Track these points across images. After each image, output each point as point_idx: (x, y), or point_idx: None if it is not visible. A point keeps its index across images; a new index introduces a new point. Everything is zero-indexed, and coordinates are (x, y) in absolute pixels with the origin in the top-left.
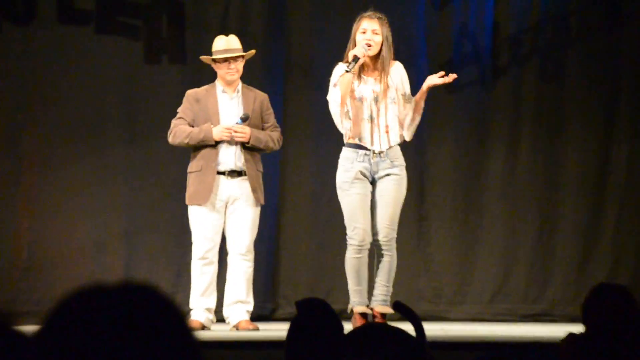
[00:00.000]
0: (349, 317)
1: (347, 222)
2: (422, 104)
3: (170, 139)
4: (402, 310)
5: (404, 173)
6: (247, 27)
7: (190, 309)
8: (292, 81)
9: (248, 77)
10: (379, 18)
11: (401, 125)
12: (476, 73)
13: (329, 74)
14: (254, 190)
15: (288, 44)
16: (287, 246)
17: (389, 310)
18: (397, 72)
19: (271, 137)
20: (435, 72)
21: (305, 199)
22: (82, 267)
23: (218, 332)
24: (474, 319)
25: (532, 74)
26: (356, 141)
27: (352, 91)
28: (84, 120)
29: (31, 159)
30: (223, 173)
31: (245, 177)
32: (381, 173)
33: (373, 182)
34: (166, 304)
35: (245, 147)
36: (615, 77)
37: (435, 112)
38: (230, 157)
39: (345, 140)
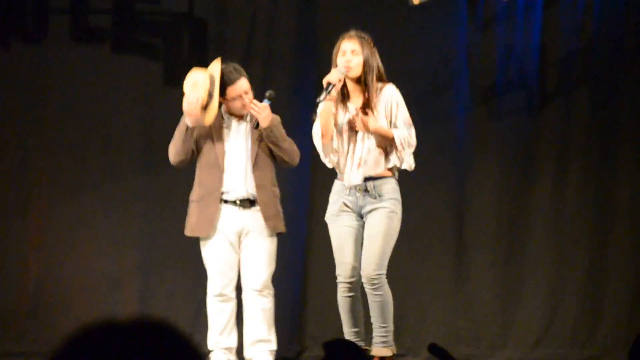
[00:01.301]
0: None
1: (335, 257)
2: (385, 139)
3: (170, 158)
4: (438, 353)
5: (395, 207)
6: (274, 46)
7: (210, 350)
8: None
9: (278, 100)
10: (359, 37)
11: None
12: (522, 98)
13: None
14: (267, 219)
15: (319, 63)
16: (315, 282)
17: (387, 352)
18: (389, 97)
19: (293, 146)
20: (477, 97)
21: None
22: (94, 304)
23: None
24: None
25: (582, 100)
26: (341, 177)
27: (335, 122)
28: (98, 146)
29: (40, 186)
30: (234, 202)
31: (258, 208)
32: (368, 208)
33: (362, 217)
34: (183, 341)
35: (259, 170)
36: None
37: (477, 140)
38: (239, 183)
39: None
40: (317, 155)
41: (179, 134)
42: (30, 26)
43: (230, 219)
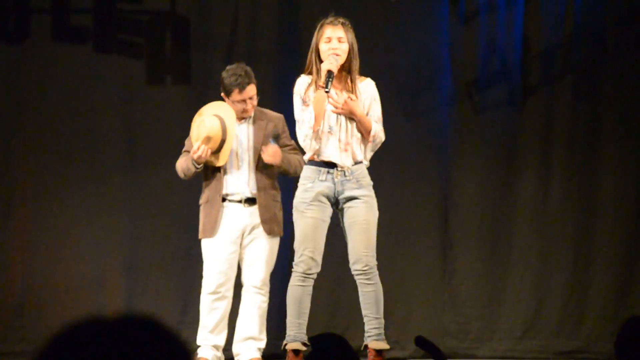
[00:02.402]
0: (367, 354)
1: (296, 246)
2: (362, 126)
3: (179, 175)
4: (425, 346)
5: (372, 193)
6: (256, 44)
7: (198, 346)
8: None
9: (262, 98)
10: (342, 24)
11: (366, 143)
12: (505, 92)
13: None
14: (263, 222)
15: (301, 61)
16: None
17: (385, 345)
18: (368, 91)
19: (299, 162)
20: (460, 91)
21: None
22: (80, 304)
23: None
24: (503, 356)
25: (565, 92)
26: (318, 158)
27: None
28: (81, 146)
29: (24, 187)
30: (239, 201)
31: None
32: (347, 194)
33: (337, 204)
34: (169, 336)
35: (260, 172)
36: None
37: (461, 134)
38: (242, 185)
39: (307, 158)
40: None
41: (186, 171)
42: (12, 26)
43: (235, 217)
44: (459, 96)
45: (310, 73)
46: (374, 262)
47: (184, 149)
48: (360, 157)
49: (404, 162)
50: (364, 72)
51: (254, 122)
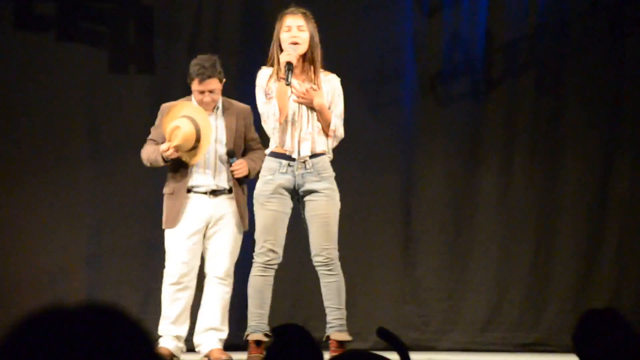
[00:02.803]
0: (329, 345)
1: (256, 237)
2: (323, 118)
3: (144, 163)
4: (386, 337)
5: (334, 185)
6: (220, 33)
7: (159, 336)
8: None
9: (226, 88)
10: (302, 13)
11: (327, 136)
12: (468, 85)
13: None
14: (242, 217)
15: (265, 50)
16: None
17: (347, 337)
18: (331, 85)
19: (261, 159)
20: (425, 84)
21: None
22: (41, 292)
23: None
24: (465, 348)
25: (528, 85)
26: (279, 149)
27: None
28: (43, 134)
29: None
30: (205, 193)
31: (232, 196)
32: (307, 187)
33: (297, 197)
34: (132, 325)
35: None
36: (617, 88)
37: (424, 126)
38: (208, 178)
39: (269, 149)
40: (265, 142)
41: (153, 162)
42: None
43: (200, 208)
44: (422, 88)
45: (272, 65)
46: (335, 253)
47: (149, 137)
48: (320, 149)
49: (368, 153)
50: (328, 65)
51: (223, 114)
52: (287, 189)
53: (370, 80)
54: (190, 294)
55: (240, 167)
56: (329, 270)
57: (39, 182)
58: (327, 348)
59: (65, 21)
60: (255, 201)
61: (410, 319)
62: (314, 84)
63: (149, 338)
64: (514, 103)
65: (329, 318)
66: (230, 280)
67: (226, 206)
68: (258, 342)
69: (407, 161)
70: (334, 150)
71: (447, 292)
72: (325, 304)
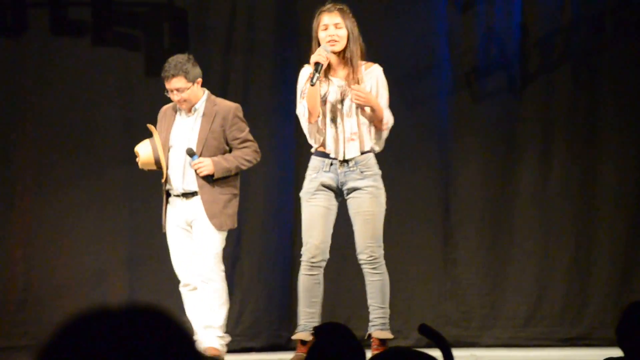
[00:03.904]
0: (371, 343)
1: (302, 235)
2: (376, 115)
3: None
4: (428, 334)
5: (378, 183)
6: (255, 35)
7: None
8: None
9: (260, 88)
10: (339, 10)
11: (378, 130)
12: (504, 80)
13: None
14: (211, 217)
15: (300, 50)
16: None
17: (389, 335)
18: (374, 76)
19: (243, 157)
20: (459, 79)
21: None
22: (82, 297)
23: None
24: (507, 344)
25: (564, 79)
26: (322, 149)
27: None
28: (80, 139)
29: (25, 181)
30: (178, 195)
31: (200, 198)
32: (350, 185)
33: (342, 195)
34: (175, 326)
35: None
36: None
37: (460, 122)
38: (177, 182)
39: (313, 148)
40: (302, 142)
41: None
42: (10, 20)
43: (177, 210)
44: (457, 85)
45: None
46: (379, 252)
47: None
48: (368, 147)
49: (404, 150)
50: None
51: (203, 115)
52: (330, 187)
53: (405, 77)
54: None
55: (201, 165)
56: (373, 268)
57: (76, 187)
58: (368, 346)
59: (100, 26)
60: (301, 200)
61: (451, 316)
62: (354, 79)
63: (192, 338)
64: (550, 97)
65: (371, 316)
66: (214, 279)
67: (196, 208)
68: (304, 342)
69: (444, 157)
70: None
71: (487, 288)
72: (369, 302)
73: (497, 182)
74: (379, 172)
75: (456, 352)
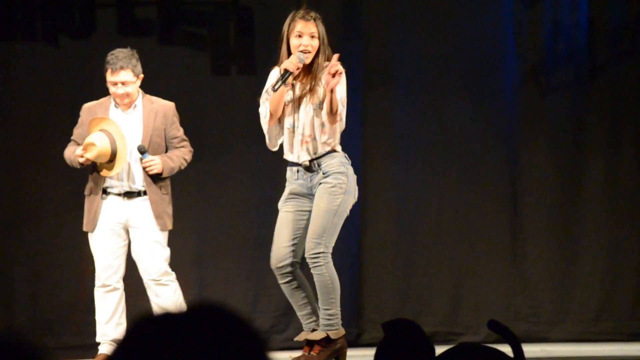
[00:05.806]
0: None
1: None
2: (332, 107)
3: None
4: (498, 329)
5: (338, 180)
6: None
7: (98, 343)
8: (372, 87)
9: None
10: (314, 19)
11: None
12: (571, 73)
13: (409, 76)
14: (158, 217)
15: (365, 48)
16: (371, 265)
17: (322, 335)
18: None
19: (183, 157)
20: (526, 74)
21: (388, 215)
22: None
23: None
24: (577, 339)
25: (633, 72)
26: (290, 157)
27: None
28: None
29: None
30: (119, 195)
31: (146, 198)
32: (316, 187)
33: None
34: (242, 324)
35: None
36: None
37: (527, 116)
38: (122, 179)
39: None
40: (367, 144)
41: (71, 162)
42: (78, 21)
43: (115, 210)
44: (524, 78)
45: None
46: (319, 249)
47: (72, 137)
48: (321, 150)
49: (471, 145)
50: (430, 57)
51: (143, 112)
52: (300, 194)
53: (472, 72)
54: (119, 295)
55: (152, 163)
56: (312, 267)
57: None
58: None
59: (166, 25)
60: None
61: (520, 311)
62: (308, 86)
63: (259, 337)
64: (619, 90)
65: (305, 317)
66: (168, 278)
67: (142, 208)
68: (309, 341)
69: (511, 152)
70: (439, 141)
71: (557, 283)
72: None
73: (566, 176)
74: (345, 170)
75: (526, 348)
